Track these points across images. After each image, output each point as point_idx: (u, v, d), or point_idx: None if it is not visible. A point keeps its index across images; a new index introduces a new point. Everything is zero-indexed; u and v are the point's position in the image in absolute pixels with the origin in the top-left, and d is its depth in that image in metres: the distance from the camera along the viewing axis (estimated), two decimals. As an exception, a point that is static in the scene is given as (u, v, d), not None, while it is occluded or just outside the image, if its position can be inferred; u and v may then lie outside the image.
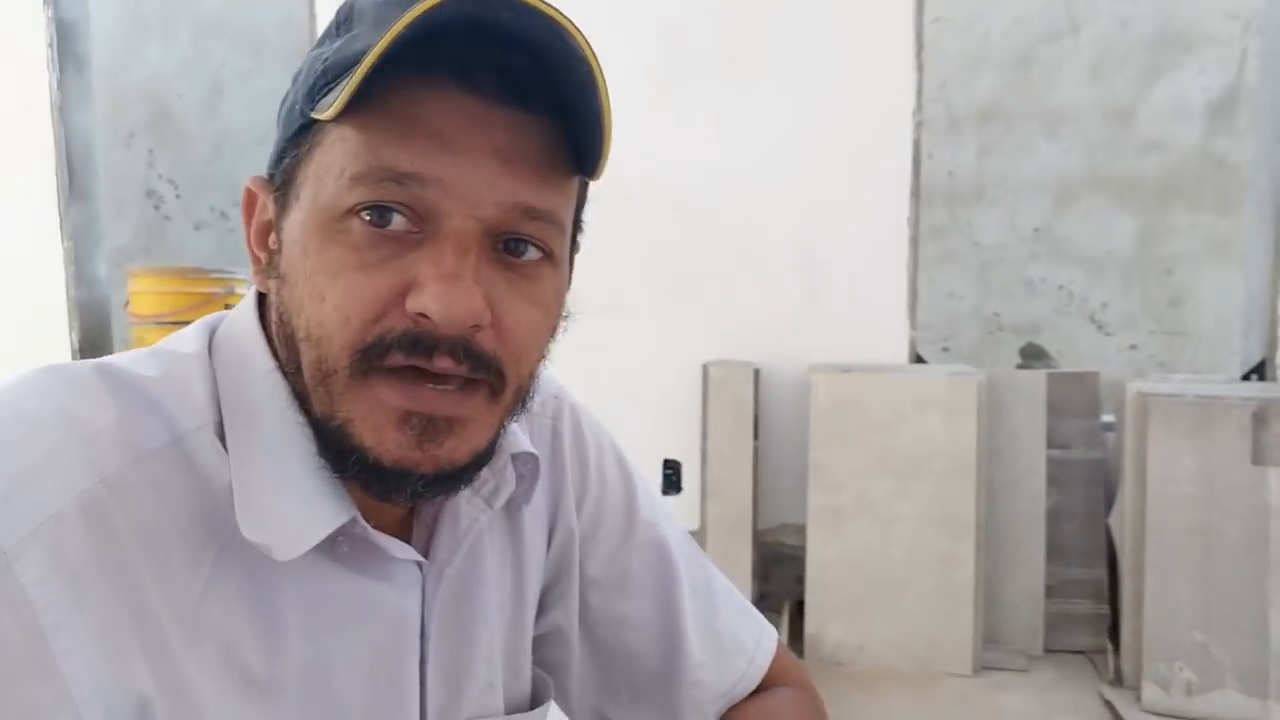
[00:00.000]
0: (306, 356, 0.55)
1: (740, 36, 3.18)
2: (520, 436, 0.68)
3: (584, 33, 0.54)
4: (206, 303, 3.47)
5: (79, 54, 3.80)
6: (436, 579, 0.65)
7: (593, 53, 0.53)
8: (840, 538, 2.82)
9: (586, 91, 0.54)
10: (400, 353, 0.53)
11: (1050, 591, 2.91)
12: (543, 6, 0.52)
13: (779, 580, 3.17)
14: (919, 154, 3.13)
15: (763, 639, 0.85)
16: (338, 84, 0.53)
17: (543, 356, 0.61)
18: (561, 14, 0.53)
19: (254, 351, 0.60)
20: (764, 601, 3.10)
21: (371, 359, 0.53)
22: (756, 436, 3.07)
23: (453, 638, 0.66)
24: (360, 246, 0.53)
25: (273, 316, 0.59)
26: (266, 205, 0.60)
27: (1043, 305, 5.09)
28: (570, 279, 0.64)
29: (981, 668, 2.79)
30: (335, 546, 0.58)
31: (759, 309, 3.21)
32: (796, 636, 2.91)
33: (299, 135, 0.57)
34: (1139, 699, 2.54)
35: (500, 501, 0.67)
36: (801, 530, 2.97)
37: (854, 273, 3.16)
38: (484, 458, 0.59)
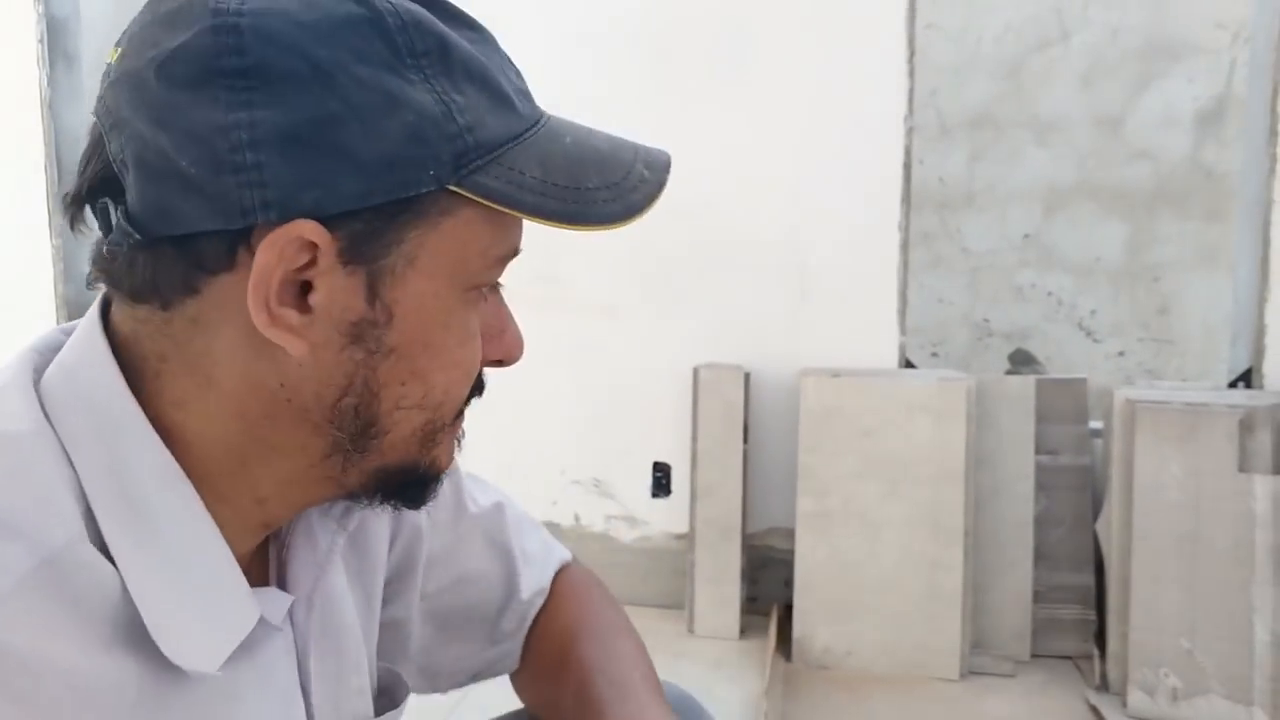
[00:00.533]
0: (411, 421, 0.56)
1: (730, 41, 3.19)
2: None
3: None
4: (195, 301, 3.46)
5: (69, 50, 3.78)
6: (306, 609, 0.64)
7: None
8: (829, 542, 2.82)
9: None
10: (477, 394, 0.63)
11: (1038, 597, 2.92)
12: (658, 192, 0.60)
13: (767, 584, 3.18)
14: (909, 160, 3.14)
15: (551, 544, 0.94)
16: (490, 164, 0.53)
17: None
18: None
19: (124, 416, 0.51)
20: (752, 604, 3.10)
21: (467, 402, 0.62)
22: (746, 440, 3.07)
23: (329, 660, 0.67)
24: (478, 315, 0.60)
25: (335, 391, 0.54)
26: (307, 252, 0.51)
27: (1032, 312, 5.10)
28: None
29: (969, 672, 2.79)
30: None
31: (749, 312, 3.21)
32: (784, 640, 2.91)
33: (418, 199, 0.52)
34: (1125, 705, 2.55)
35: (353, 523, 0.67)
36: (790, 534, 2.97)
37: (844, 277, 3.17)
38: None
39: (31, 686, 0.43)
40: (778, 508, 3.11)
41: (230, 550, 0.54)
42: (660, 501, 3.22)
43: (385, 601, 0.79)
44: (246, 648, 0.55)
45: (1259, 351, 2.90)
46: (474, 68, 0.54)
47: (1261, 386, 2.88)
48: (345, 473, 0.57)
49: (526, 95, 0.59)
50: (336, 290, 0.52)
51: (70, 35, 3.80)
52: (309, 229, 0.50)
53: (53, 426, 0.51)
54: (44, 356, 0.59)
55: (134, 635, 0.48)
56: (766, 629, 2.92)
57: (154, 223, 0.50)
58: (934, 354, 5.20)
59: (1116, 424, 2.67)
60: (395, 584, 0.80)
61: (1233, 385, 2.98)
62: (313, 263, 0.52)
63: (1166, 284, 4.93)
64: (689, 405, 3.12)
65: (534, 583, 0.88)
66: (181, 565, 0.51)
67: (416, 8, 0.52)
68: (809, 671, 2.81)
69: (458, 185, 0.52)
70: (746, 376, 3.10)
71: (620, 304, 3.20)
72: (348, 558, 0.72)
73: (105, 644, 0.47)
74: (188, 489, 0.52)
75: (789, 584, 2.96)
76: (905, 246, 3.16)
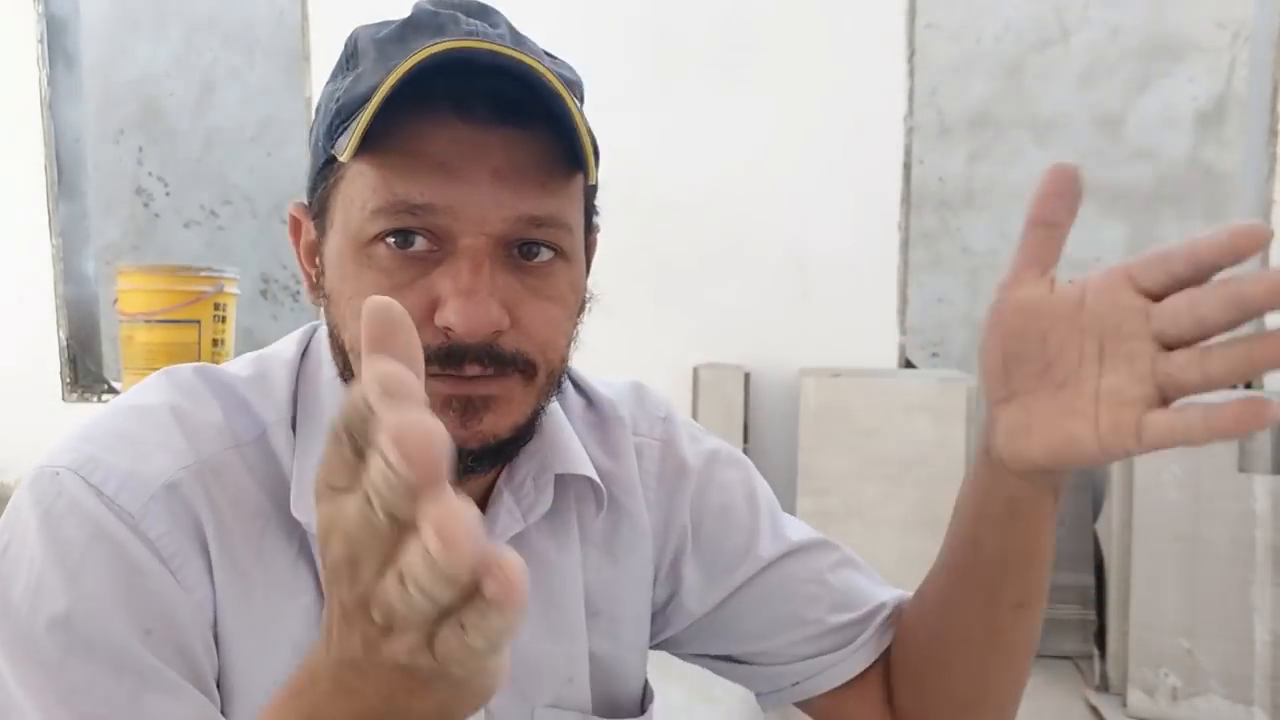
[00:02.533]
0: (355, 366, 0.63)
1: (731, 40, 3.19)
2: (582, 458, 0.74)
3: (545, 63, 0.60)
4: (195, 301, 3.45)
5: (69, 50, 3.78)
6: None
7: (556, 78, 0.58)
8: (829, 542, 2.82)
9: (560, 106, 0.58)
10: (435, 365, 0.60)
11: (1037, 597, 2.92)
12: (509, 50, 0.58)
13: (767, 584, 3.18)
14: (910, 159, 3.14)
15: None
16: (349, 123, 0.59)
17: (570, 341, 0.68)
18: (526, 54, 0.58)
19: (325, 358, 0.69)
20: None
21: None
22: (746, 440, 3.07)
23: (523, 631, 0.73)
24: (389, 269, 0.61)
25: (328, 330, 0.67)
26: (309, 229, 0.68)
27: (1032, 311, 5.10)
28: (589, 265, 0.71)
29: (968, 672, 2.79)
30: None
31: (749, 312, 3.21)
32: (784, 640, 2.91)
33: (325, 169, 0.64)
34: (1124, 705, 2.55)
35: (536, 515, 0.72)
36: (790, 534, 2.97)
37: (844, 277, 3.17)
38: (525, 433, 0.66)
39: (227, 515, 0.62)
40: (778, 507, 3.11)
41: None
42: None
43: (668, 614, 0.83)
44: None
45: (1259, 351, 2.90)
46: (367, 49, 0.63)
47: (1261, 386, 2.89)
48: None
49: (417, 49, 0.58)
50: (315, 251, 0.67)
51: (70, 35, 3.80)
52: (294, 207, 0.69)
53: (303, 360, 0.71)
54: None
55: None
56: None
57: None
58: (934, 354, 5.20)
59: (1116, 424, 2.67)
60: (670, 602, 0.83)
61: (1232, 386, 2.98)
62: (309, 232, 0.68)
63: (1166, 284, 4.93)
64: (689, 405, 3.12)
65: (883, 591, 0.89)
66: None
67: (377, 24, 0.64)
68: (809, 671, 2.81)
69: (333, 151, 0.61)
70: (746, 376, 3.10)
71: (620, 304, 3.20)
72: (598, 561, 0.77)
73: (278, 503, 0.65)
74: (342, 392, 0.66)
75: (789, 584, 2.96)
76: (905, 246, 3.16)
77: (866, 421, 2.84)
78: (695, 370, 3.10)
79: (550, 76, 0.57)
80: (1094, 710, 2.55)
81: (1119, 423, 0.54)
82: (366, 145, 0.58)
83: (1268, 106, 2.88)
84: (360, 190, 0.60)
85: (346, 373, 0.65)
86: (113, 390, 3.76)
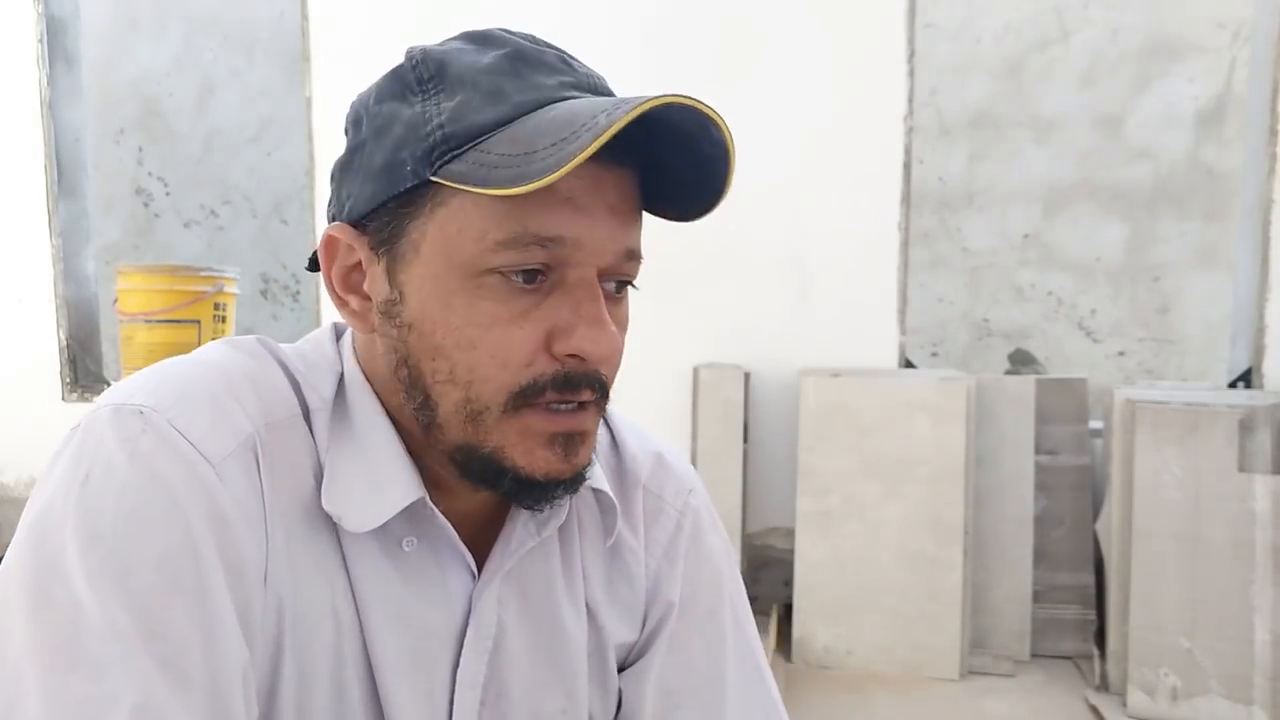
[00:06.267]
0: (450, 396, 0.63)
1: (732, 40, 3.19)
2: (598, 474, 0.75)
3: (718, 113, 0.62)
4: (195, 301, 3.45)
5: (69, 50, 3.78)
6: (480, 591, 0.71)
7: (726, 127, 0.62)
8: (829, 541, 2.82)
9: (724, 155, 0.63)
10: (554, 392, 0.62)
11: (1037, 597, 2.92)
12: (694, 103, 0.59)
13: (767, 583, 3.18)
14: (909, 159, 3.14)
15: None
16: (468, 152, 0.60)
17: None
18: (701, 103, 0.60)
19: (355, 368, 0.70)
20: (752, 604, 3.09)
21: (526, 397, 0.62)
22: (746, 439, 3.07)
23: (497, 658, 0.73)
24: (507, 300, 0.61)
25: (380, 356, 0.68)
26: (355, 251, 0.67)
27: (1032, 311, 5.11)
28: None
29: (968, 672, 2.79)
30: (403, 543, 0.68)
31: (749, 312, 3.21)
32: (784, 640, 2.91)
33: (410, 193, 0.62)
34: (1124, 704, 2.55)
35: (551, 528, 0.74)
36: (790, 533, 2.97)
37: (844, 277, 3.17)
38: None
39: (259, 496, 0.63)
40: (777, 507, 3.12)
41: (406, 453, 0.67)
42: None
43: (631, 661, 0.82)
44: (431, 569, 0.69)
45: (1259, 351, 2.90)
46: (470, 77, 0.62)
47: (1261, 386, 2.88)
48: (431, 438, 0.66)
49: (538, 87, 0.62)
50: (374, 278, 0.66)
51: (70, 35, 3.80)
52: (335, 229, 0.67)
53: (340, 355, 0.71)
54: None
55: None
56: (766, 629, 2.92)
57: None
58: (934, 354, 5.20)
59: (1116, 424, 2.67)
60: (636, 655, 0.82)
61: (1233, 385, 2.98)
62: (350, 254, 0.67)
63: (1166, 283, 4.93)
64: (689, 405, 3.12)
65: None
66: (363, 454, 0.67)
67: (441, 46, 0.65)
68: (809, 671, 2.81)
69: (435, 175, 0.61)
70: (746, 376, 3.10)
71: (620, 304, 3.20)
72: (605, 589, 0.79)
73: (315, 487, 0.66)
74: (379, 417, 0.68)
75: (789, 583, 2.96)
76: (905, 246, 3.16)
77: (866, 421, 2.84)
78: (695, 370, 3.10)
79: (723, 125, 0.61)
80: (1094, 710, 2.55)
81: None
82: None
83: (1268, 106, 2.87)
84: (477, 221, 0.60)
85: (416, 399, 0.65)
86: (113, 390, 3.77)
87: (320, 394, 0.68)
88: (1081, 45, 4.94)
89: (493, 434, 0.63)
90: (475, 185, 0.59)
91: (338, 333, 0.75)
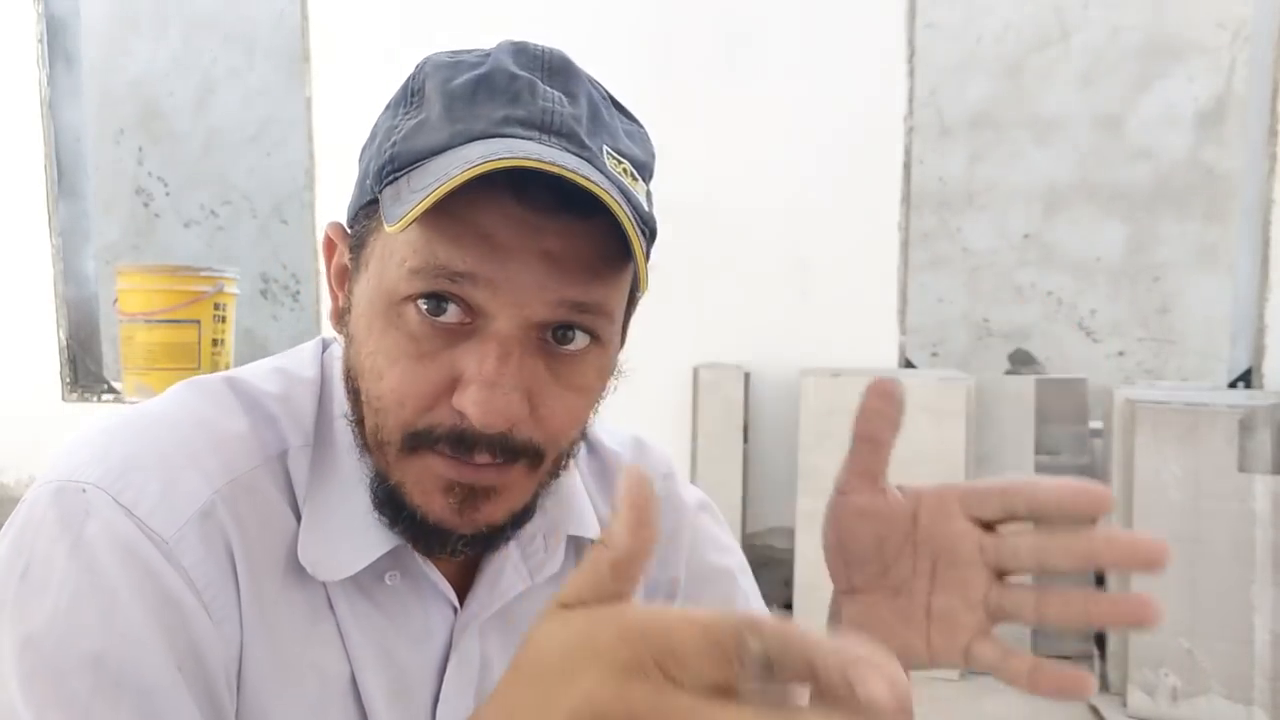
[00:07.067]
0: (368, 420, 0.61)
1: (732, 41, 3.19)
2: (592, 521, 0.74)
3: (620, 198, 0.56)
4: (195, 301, 3.46)
5: (69, 50, 3.78)
6: (462, 629, 0.69)
7: (627, 215, 0.55)
8: (829, 542, 2.82)
9: (617, 229, 0.56)
10: (445, 445, 0.58)
11: (1037, 597, 2.92)
12: (569, 174, 0.53)
13: (767, 583, 3.18)
14: (910, 159, 3.14)
15: None
16: (400, 174, 0.58)
17: (583, 427, 0.65)
18: (600, 187, 0.54)
19: (339, 383, 0.66)
20: (752, 605, 3.10)
21: (419, 441, 0.59)
22: (746, 440, 3.07)
23: (482, 690, 0.71)
24: (416, 336, 0.58)
25: (343, 365, 0.65)
26: (343, 253, 0.66)
27: (1032, 311, 5.11)
28: (624, 339, 0.68)
29: (968, 673, 2.79)
30: (384, 579, 0.65)
31: (750, 312, 3.21)
32: (784, 640, 2.91)
33: (369, 206, 0.61)
34: (1125, 705, 2.55)
35: (543, 576, 0.72)
36: (790, 533, 2.97)
37: (844, 277, 3.17)
38: (523, 516, 0.64)
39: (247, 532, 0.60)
40: (778, 507, 3.12)
41: (378, 513, 0.64)
42: (660, 501, 3.22)
43: None
44: (412, 607, 0.67)
45: (1259, 351, 2.90)
46: (435, 98, 0.60)
47: (1261, 386, 2.88)
48: (369, 455, 0.63)
49: (480, 118, 0.58)
50: (346, 276, 0.65)
51: (70, 35, 3.80)
52: (331, 228, 0.67)
53: (322, 383, 0.68)
54: None
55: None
56: (766, 629, 2.92)
57: None
58: (934, 354, 5.20)
59: (1116, 424, 2.67)
60: None
61: (1233, 385, 2.98)
62: (343, 255, 0.66)
63: (1166, 284, 4.94)
64: (689, 405, 3.12)
65: None
66: (345, 499, 0.64)
67: (443, 58, 0.62)
68: (809, 671, 2.81)
69: (380, 203, 0.59)
70: (747, 376, 3.10)
71: (620, 304, 3.20)
72: None
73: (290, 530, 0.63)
74: (359, 455, 0.64)
75: (789, 583, 2.96)
76: (905, 246, 3.16)
77: (866, 421, 2.84)
78: (695, 370, 3.10)
79: (609, 199, 0.54)
80: (1094, 710, 2.55)
81: (949, 643, 0.57)
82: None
83: (1268, 106, 2.88)
84: (400, 246, 0.58)
85: (355, 413, 0.63)
86: (112, 390, 3.76)
87: (302, 429, 0.65)
88: (1081, 45, 4.94)
89: (394, 469, 0.61)
90: (384, 215, 0.58)
91: (325, 344, 0.72)
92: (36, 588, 0.54)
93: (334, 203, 3.39)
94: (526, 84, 0.59)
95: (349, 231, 0.65)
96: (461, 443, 0.58)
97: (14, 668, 0.52)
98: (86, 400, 3.70)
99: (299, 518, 0.63)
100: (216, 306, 3.53)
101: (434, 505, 0.60)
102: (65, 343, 3.73)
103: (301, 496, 0.63)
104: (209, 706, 0.56)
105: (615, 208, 0.54)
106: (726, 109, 3.19)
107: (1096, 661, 2.75)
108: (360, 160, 0.65)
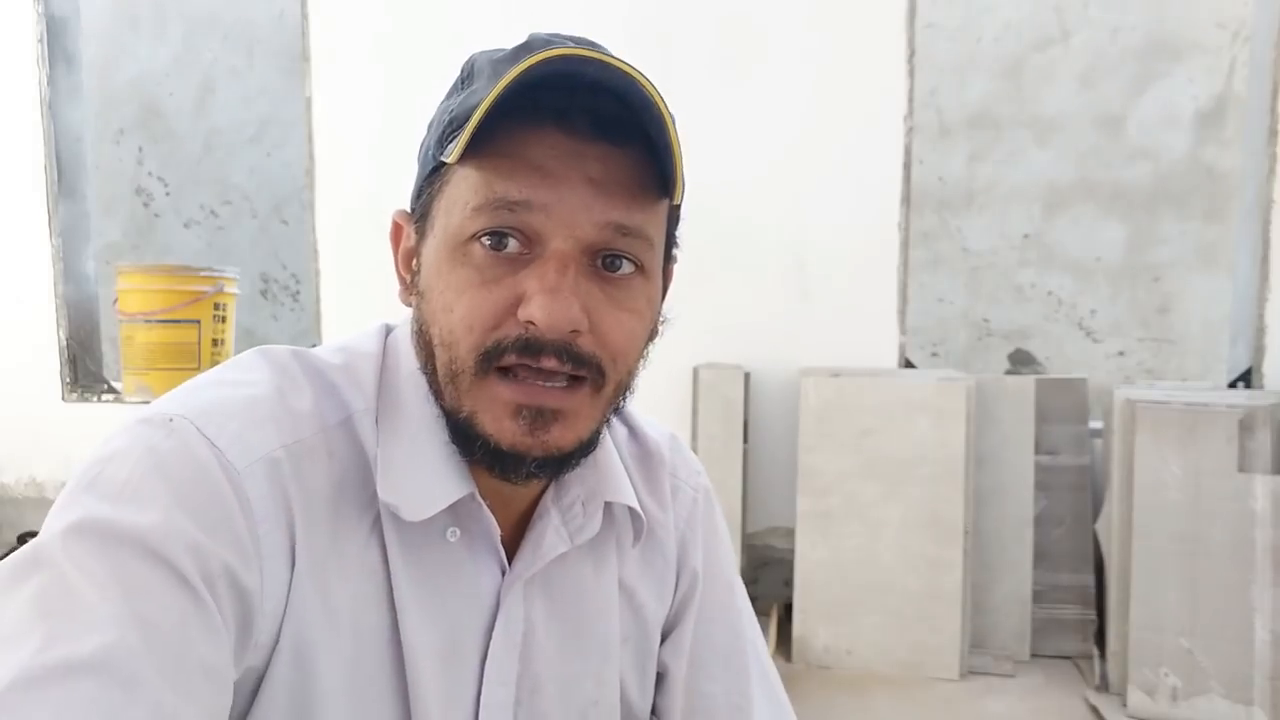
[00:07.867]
0: (440, 359, 0.67)
1: (731, 40, 3.19)
2: (628, 489, 0.79)
3: (652, 82, 0.63)
4: (195, 301, 3.46)
5: (69, 50, 3.78)
6: (508, 588, 0.74)
7: (660, 97, 0.63)
8: (829, 541, 2.82)
9: (658, 127, 0.63)
10: (513, 354, 0.64)
11: (1037, 597, 2.92)
12: (617, 62, 0.62)
13: (767, 583, 3.18)
14: (909, 159, 3.14)
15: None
16: (460, 132, 0.63)
17: (642, 356, 0.72)
18: (633, 68, 0.62)
19: (407, 355, 0.73)
20: (752, 604, 3.09)
21: (490, 360, 0.64)
22: (746, 439, 3.07)
23: (558, 644, 0.77)
24: (480, 267, 0.65)
25: (414, 327, 0.71)
26: (410, 234, 0.73)
27: (1032, 311, 5.11)
28: (666, 289, 0.76)
29: (968, 672, 2.79)
30: (445, 535, 0.71)
31: (749, 312, 3.21)
32: (784, 639, 2.91)
33: (432, 176, 0.69)
34: (1125, 705, 2.55)
35: (583, 538, 0.77)
36: (790, 533, 2.97)
37: (844, 277, 3.17)
38: (588, 446, 0.69)
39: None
40: (777, 507, 3.12)
41: (453, 446, 0.69)
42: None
43: (662, 642, 0.87)
44: (469, 561, 0.72)
45: (1259, 351, 2.90)
46: (482, 68, 0.68)
47: (1261, 386, 2.88)
48: (443, 400, 0.69)
49: (522, 62, 0.63)
50: (412, 256, 0.72)
51: (70, 35, 3.80)
52: (397, 214, 0.75)
53: (384, 354, 0.74)
54: None
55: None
56: (767, 628, 2.92)
57: None
58: (934, 354, 5.20)
59: (1116, 424, 2.67)
60: (674, 630, 0.87)
61: (1233, 385, 2.98)
62: (409, 238, 0.73)
63: (1166, 283, 4.93)
64: (689, 405, 3.12)
65: None
66: (416, 445, 0.69)
67: (496, 49, 0.69)
68: (809, 671, 2.81)
69: (442, 156, 0.66)
70: (746, 376, 3.10)
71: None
72: (634, 586, 0.83)
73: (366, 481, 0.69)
74: (429, 405, 0.70)
75: (789, 583, 2.96)
76: (905, 246, 3.16)
77: (866, 421, 2.84)
78: (695, 370, 3.10)
79: (652, 90, 0.61)
80: (1094, 710, 2.55)
81: None
82: (473, 150, 0.62)
83: (1268, 106, 2.88)
84: (463, 192, 0.65)
85: (428, 366, 0.69)
86: (113, 390, 3.76)
87: (364, 394, 0.71)
88: (1081, 45, 4.94)
89: (466, 399, 0.66)
90: (445, 156, 0.65)
91: (389, 329, 0.78)
92: (109, 480, 0.59)
93: (334, 203, 3.39)
94: (560, 40, 0.67)
95: (413, 213, 0.72)
96: (529, 348, 0.63)
97: (61, 530, 0.56)
98: (86, 400, 3.70)
99: (366, 475, 0.68)
100: (216, 306, 3.53)
101: (505, 430, 0.65)
102: (65, 343, 3.73)
103: (373, 454, 0.69)
104: (233, 616, 0.60)
105: (650, 90, 0.61)
106: (726, 109, 3.19)
107: (1096, 661, 2.75)
108: (419, 154, 0.72)
